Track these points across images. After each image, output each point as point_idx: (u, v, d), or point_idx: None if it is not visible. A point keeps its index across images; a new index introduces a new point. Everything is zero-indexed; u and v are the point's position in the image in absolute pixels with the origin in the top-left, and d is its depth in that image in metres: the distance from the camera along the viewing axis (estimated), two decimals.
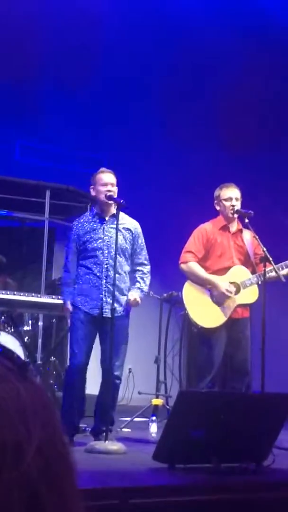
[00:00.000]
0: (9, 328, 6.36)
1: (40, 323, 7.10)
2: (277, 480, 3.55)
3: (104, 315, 4.76)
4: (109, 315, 4.70)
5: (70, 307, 4.87)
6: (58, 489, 0.68)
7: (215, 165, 8.08)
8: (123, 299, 4.85)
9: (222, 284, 5.13)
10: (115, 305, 4.71)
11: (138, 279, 4.99)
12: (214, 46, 8.19)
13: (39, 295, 6.12)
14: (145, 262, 5.04)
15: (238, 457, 3.75)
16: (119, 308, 4.79)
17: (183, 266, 5.25)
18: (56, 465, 0.68)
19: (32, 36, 7.74)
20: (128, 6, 8.07)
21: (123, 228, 4.91)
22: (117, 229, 4.72)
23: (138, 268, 5.00)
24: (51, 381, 6.52)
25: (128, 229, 4.95)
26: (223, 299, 5.14)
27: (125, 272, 4.90)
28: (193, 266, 5.19)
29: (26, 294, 6.10)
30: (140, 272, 5.00)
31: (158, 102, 8.56)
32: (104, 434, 4.47)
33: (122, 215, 4.90)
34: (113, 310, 4.65)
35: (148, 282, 5.03)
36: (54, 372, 7.17)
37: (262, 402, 3.92)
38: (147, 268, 5.03)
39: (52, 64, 7.92)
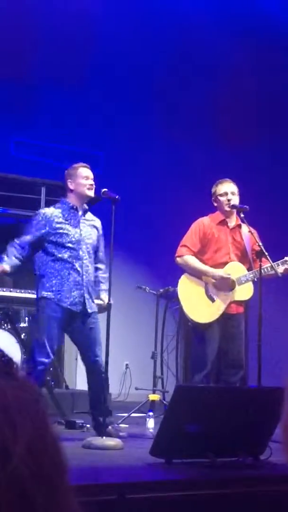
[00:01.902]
0: (5, 325, 6.34)
1: None
2: (274, 474, 3.55)
3: (89, 310, 4.78)
4: (94, 310, 4.79)
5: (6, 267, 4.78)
6: (49, 487, 0.66)
7: (213, 159, 8.07)
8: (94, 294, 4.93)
9: (218, 271, 5.14)
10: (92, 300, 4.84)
11: (101, 279, 5.03)
12: (212, 41, 8.19)
13: (35, 292, 6.11)
14: (104, 259, 5.08)
15: (235, 451, 3.75)
16: (97, 302, 4.91)
17: (178, 260, 5.25)
18: (46, 463, 0.67)
19: (27, 32, 7.72)
20: (124, 3, 8.05)
21: (92, 225, 4.96)
22: (114, 224, 4.71)
23: (99, 265, 5.04)
24: (48, 378, 6.52)
25: (96, 227, 4.98)
26: (218, 292, 5.12)
27: (93, 268, 4.96)
28: (188, 259, 5.18)
29: (22, 291, 6.09)
30: (101, 271, 5.04)
31: (154, 97, 8.54)
32: (104, 428, 4.49)
33: (89, 212, 4.97)
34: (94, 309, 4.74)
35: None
36: (51, 369, 7.16)
37: (259, 396, 3.92)
38: (104, 266, 5.08)
39: (47, 60, 7.90)
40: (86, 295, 4.80)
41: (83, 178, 4.87)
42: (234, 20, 8.27)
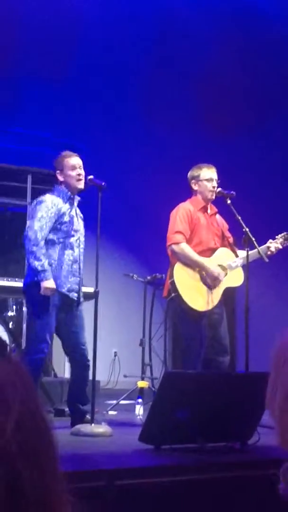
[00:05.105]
0: None
1: (25, 309, 7.09)
2: (262, 458, 3.58)
3: (80, 299, 4.79)
4: (81, 299, 4.80)
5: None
6: (37, 465, 0.68)
7: (197, 147, 8.06)
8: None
9: (214, 270, 5.10)
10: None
11: None
12: (198, 30, 8.16)
13: (22, 280, 6.10)
14: None
15: (223, 436, 3.78)
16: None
17: (174, 247, 5.09)
18: (35, 441, 0.69)
19: (9, 21, 7.65)
20: None
21: (81, 217, 4.96)
22: (99, 213, 4.70)
23: None
24: None
25: (83, 220, 5.00)
26: (213, 282, 5.10)
27: None
28: (185, 248, 5.08)
29: (9, 279, 6.08)
30: None
31: (138, 86, 8.52)
32: (90, 416, 4.49)
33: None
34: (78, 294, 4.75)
35: None
36: None
37: (246, 382, 3.94)
38: None
39: (31, 49, 7.84)
40: (80, 282, 4.81)
41: (70, 168, 4.79)
42: (219, 9, 8.24)
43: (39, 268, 4.57)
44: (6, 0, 7.66)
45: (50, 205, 4.71)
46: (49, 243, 4.71)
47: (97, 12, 7.94)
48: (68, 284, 4.74)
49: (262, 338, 6.37)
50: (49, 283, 4.56)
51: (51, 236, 4.71)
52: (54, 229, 4.72)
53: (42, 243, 4.63)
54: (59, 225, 4.73)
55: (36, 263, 4.58)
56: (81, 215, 4.98)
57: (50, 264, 4.66)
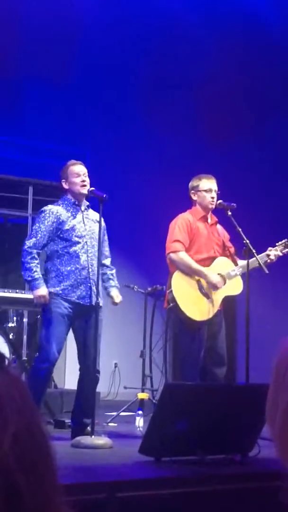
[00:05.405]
0: None
1: (25, 320, 7.10)
2: (262, 470, 3.57)
3: (93, 303, 4.73)
4: (100, 305, 4.74)
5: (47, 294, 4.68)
6: (36, 476, 0.68)
7: (200, 155, 8.08)
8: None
9: (212, 276, 5.11)
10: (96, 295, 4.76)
11: (111, 276, 5.00)
12: (196, 31, 8.19)
13: (23, 292, 6.11)
14: (109, 255, 5.07)
15: (224, 448, 3.77)
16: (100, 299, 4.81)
17: (173, 256, 5.11)
18: (33, 453, 0.69)
19: (9, 29, 7.68)
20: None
21: (95, 220, 4.93)
22: (100, 224, 4.72)
23: (105, 262, 4.99)
24: None
25: (98, 221, 4.95)
26: (212, 291, 5.10)
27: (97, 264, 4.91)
28: (184, 256, 5.10)
29: (10, 291, 6.08)
30: (109, 269, 4.99)
31: (138, 93, 8.54)
32: (90, 428, 4.47)
33: (90, 209, 4.97)
34: (97, 303, 4.70)
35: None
36: None
37: (247, 394, 3.93)
38: (110, 260, 5.06)
39: (31, 58, 7.86)
40: (93, 289, 4.75)
41: (74, 176, 4.86)
42: (219, 16, 8.29)
43: (29, 278, 4.71)
44: (6, 1, 7.69)
45: (48, 213, 4.81)
46: (53, 255, 4.78)
47: (97, 13, 7.96)
48: (78, 291, 4.74)
49: (262, 348, 6.37)
50: (39, 291, 4.66)
51: (54, 247, 4.78)
52: (56, 237, 4.76)
53: (35, 252, 4.74)
54: (60, 233, 4.77)
55: (26, 273, 4.71)
56: (96, 217, 4.92)
57: (58, 274, 4.71)
